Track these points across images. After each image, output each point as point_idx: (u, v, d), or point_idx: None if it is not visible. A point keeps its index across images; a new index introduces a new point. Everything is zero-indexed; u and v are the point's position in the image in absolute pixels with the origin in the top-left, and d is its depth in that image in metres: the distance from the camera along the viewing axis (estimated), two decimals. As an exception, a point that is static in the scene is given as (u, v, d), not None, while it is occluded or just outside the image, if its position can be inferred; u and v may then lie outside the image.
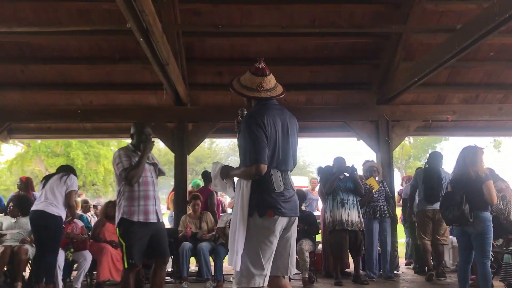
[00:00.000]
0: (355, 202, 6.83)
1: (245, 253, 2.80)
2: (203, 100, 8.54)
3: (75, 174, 6.10)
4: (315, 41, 7.79)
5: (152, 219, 4.17)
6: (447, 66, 6.48)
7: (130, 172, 4.07)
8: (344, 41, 7.85)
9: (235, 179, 3.09)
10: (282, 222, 2.89)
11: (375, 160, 8.04)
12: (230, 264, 2.86)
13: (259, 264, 2.80)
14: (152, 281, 4.29)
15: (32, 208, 5.85)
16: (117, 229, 4.25)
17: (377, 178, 7.27)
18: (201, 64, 8.08)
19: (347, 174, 6.93)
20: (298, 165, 32.32)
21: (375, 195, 7.10)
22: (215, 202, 7.78)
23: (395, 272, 7.33)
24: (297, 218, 3.08)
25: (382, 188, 7.23)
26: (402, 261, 8.52)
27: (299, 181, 16.37)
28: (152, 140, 4.31)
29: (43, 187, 5.85)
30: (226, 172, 3.09)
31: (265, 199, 2.82)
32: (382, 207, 7.12)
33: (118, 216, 4.23)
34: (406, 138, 18.82)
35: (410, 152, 27.03)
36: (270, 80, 3.07)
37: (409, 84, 7.08)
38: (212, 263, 6.81)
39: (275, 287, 2.98)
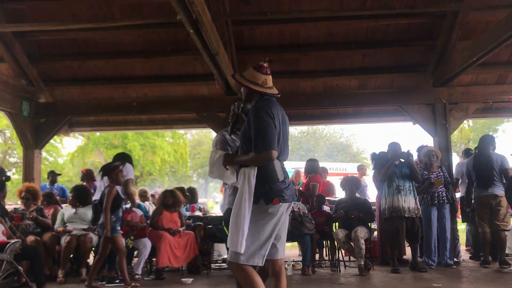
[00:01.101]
0: (411, 188, 6.66)
1: (248, 234, 3.01)
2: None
3: (131, 162, 6.29)
4: (367, 24, 7.60)
5: None
6: (508, 44, 6.14)
7: None
8: (397, 23, 7.61)
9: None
10: (283, 208, 3.14)
11: (431, 145, 7.79)
12: (231, 247, 3.00)
13: (259, 245, 3.05)
14: None
15: (94, 198, 6.11)
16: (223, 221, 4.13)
17: (435, 163, 7.04)
18: (251, 52, 8.08)
19: (402, 160, 6.76)
20: (352, 152, 31.81)
21: (433, 181, 6.88)
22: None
23: (455, 259, 7.11)
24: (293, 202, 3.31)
25: (441, 173, 7.00)
26: (463, 248, 8.25)
27: (352, 168, 16.13)
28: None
29: (102, 178, 6.09)
30: (230, 159, 3.23)
31: (272, 188, 3.05)
32: (440, 193, 6.89)
33: (223, 205, 4.07)
34: (465, 121, 18.05)
35: (470, 135, 25.93)
36: (271, 80, 3.30)
37: (467, 64, 6.77)
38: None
39: (272, 268, 3.23)
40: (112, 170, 5.74)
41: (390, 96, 8.21)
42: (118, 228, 5.67)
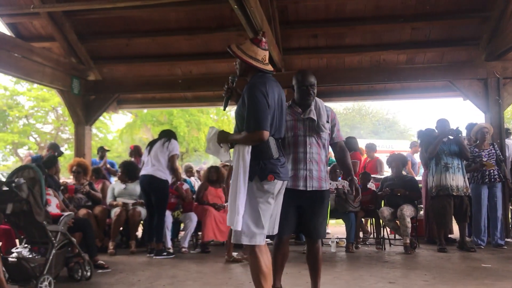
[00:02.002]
0: (460, 166, 6.46)
1: (247, 214, 3.00)
2: (297, 64, 8.47)
3: (176, 138, 6.44)
4: (416, -4, 7.32)
5: (301, 186, 3.50)
6: None
7: None
8: (449, -6, 7.28)
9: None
10: (278, 185, 3.11)
11: (482, 122, 7.50)
12: (230, 224, 3.00)
13: (260, 224, 3.02)
14: (307, 259, 3.69)
15: (141, 173, 6.29)
16: None
17: (487, 141, 6.79)
18: (295, 27, 7.95)
19: (451, 137, 6.55)
20: (398, 129, 31.11)
21: (485, 159, 6.65)
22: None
23: (506, 239, 6.88)
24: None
25: (493, 151, 6.75)
26: None
27: (398, 145, 15.79)
28: (311, 92, 3.61)
29: (148, 153, 6.26)
30: (224, 137, 3.16)
31: (266, 165, 3.04)
32: (492, 171, 6.66)
33: None
34: (520, 97, 17.20)
35: (525, 111, 24.75)
36: (267, 56, 3.27)
37: (524, 36, 6.42)
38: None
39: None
40: None
41: (440, 71, 7.93)
42: None
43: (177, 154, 6.33)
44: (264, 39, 3.22)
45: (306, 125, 3.58)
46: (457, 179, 6.39)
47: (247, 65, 3.17)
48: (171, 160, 6.23)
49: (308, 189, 3.47)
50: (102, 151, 9.03)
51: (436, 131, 6.70)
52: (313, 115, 3.57)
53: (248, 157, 2.99)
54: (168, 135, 6.48)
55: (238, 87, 3.39)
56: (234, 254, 5.76)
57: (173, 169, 6.29)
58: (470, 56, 7.97)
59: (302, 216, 3.56)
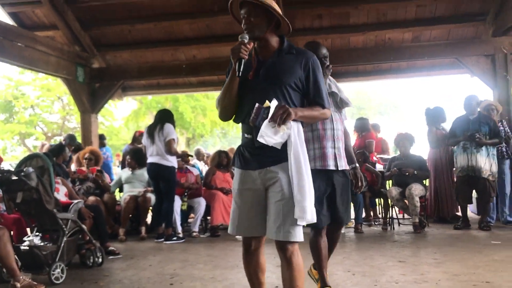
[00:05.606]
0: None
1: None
2: (301, 45, 8.35)
3: (171, 120, 6.38)
4: (421, -28, 7.20)
5: (332, 165, 3.12)
6: None
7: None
8: (454, -32, 7.16)
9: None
10: None
11: (490, 98, 7.43)
12: (310, 220, 2.35)
13: None
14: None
15: (148, 161, 6.29)
16: None
17: (495, 117, 6.72)
18: (299, 8, 7.84)
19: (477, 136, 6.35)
20: (405, 109, 30.93)
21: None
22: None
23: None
24: None
25: (501, 127, 6.68)
26: None
27: (404, 125, 15.67)
28: (326, 63, 3.30)
29: (151, 140, 6.21)
30: (294, 112, 2.32)
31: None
32: (499, 148, 6.60)
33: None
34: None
35: (532, 87, 24.54)
36: None
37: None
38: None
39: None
40: None
41: (446, 48, 7.83)
42: None
43: (173, 138, 6.18)
44: None
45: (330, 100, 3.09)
46: (480, 160, 6.29)
47: (277, 23, 2.62)
48: (168, 145, 6.14)
49: (339, 169, 3.13)
50: (100, 139, 9.07)
51: (465, 110, 6.60)
52: (335, 89, 3.22)
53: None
54: (162, 119, 6.36)
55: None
56: None
57: (171, 154, 6.21)
58: (477, 32, 7.87)
59: (332, 199, 3.14)
